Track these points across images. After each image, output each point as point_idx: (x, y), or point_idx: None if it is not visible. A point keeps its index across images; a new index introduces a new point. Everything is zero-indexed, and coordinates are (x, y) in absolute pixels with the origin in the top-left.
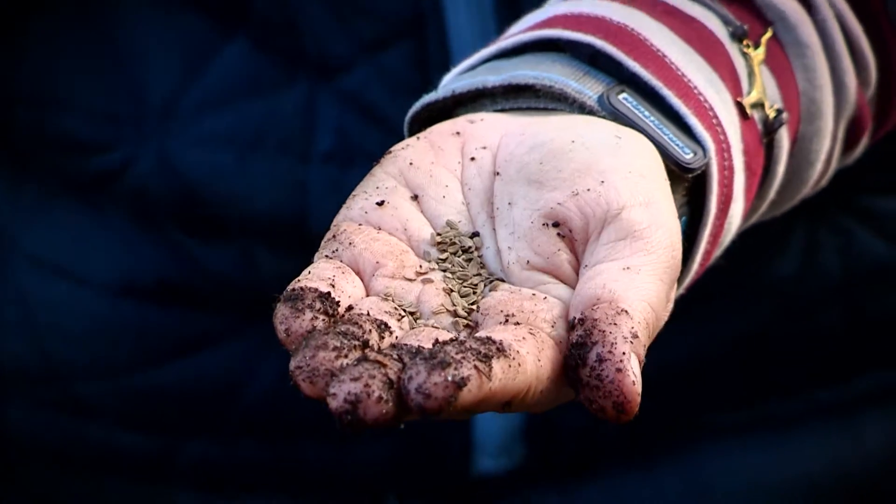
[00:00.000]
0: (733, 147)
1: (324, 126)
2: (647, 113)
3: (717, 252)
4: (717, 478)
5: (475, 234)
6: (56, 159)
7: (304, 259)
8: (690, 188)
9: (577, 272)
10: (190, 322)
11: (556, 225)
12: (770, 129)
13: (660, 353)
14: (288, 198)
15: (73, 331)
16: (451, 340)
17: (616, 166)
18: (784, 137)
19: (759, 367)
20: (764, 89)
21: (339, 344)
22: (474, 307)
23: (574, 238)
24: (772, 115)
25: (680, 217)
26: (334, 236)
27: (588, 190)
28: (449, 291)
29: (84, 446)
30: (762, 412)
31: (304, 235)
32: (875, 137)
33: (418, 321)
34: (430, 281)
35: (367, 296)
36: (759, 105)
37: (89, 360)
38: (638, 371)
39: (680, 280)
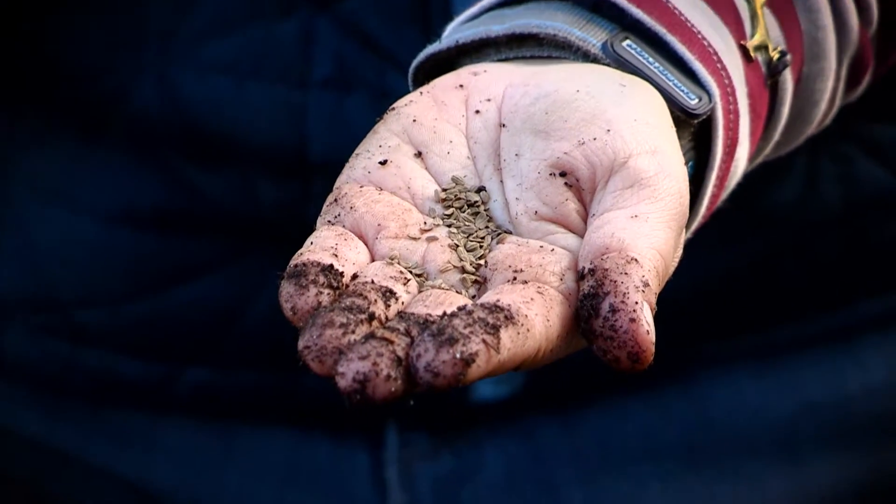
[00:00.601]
0: (738, 91)
1: (322, 53)
2: (651, 59)
3: (724, 195)
4: (720, 404)
5: (481, 189)
6: (55, 88)
7: (302, 185)
8: (696, 133)
9: (585, 221)
10: (188, 249)
11: (563, 174)
12: (774, 71)
13: None
14: (286, 124)
15: (71, 258)
16: (459, 310)
17: (622, 115)
18: (788, 79)
19: (761, 295)
20: (767, 32)
21: (345, 320)
22: (482, 262)
23: (581, 187)
24: (775, 57)
25: (686, 163)
26: (336, 200)
27: (594, 139)
28: (455, 247)
29: (82, 374)
30: (764, 339)
31: (303, 162)
32: (876, 75)
33: (425, 283)
34: (435, 238)
35: (372, 260)
36: (762, 47)
37: (88, 288)
38: (651, 320)
39: (687, 225)
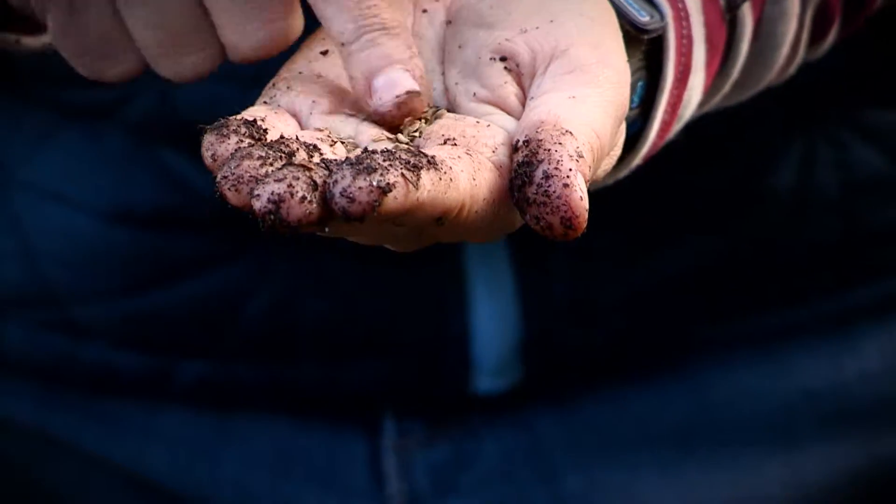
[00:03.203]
0: (693, 17)
1: None
2: None
3: (677, 126)
4: (717, 391)
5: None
6: (56, 90)
7: None
8: (647, 54)
9: (523, 105)
10: (186, 247)
11: (503, 59)
12: (732, 4)
13: (657, 266)
14: None
15: (69, 256)
16: (382, 151)
17: (567, 9)
18: (747, 15)
19: (756, 280)
20: None
21: (263, 154)
22: (417, 133)
23: (521, 72)
24: None
25: (636, 81)
26: (273, 84)
27: (537, 28)
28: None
29: (80, 367)
30: (760, 325)
31: None
32: (844, 32)
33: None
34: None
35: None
36: None
37: (85, 285)
38: (585, 188)
39: (638, 150)
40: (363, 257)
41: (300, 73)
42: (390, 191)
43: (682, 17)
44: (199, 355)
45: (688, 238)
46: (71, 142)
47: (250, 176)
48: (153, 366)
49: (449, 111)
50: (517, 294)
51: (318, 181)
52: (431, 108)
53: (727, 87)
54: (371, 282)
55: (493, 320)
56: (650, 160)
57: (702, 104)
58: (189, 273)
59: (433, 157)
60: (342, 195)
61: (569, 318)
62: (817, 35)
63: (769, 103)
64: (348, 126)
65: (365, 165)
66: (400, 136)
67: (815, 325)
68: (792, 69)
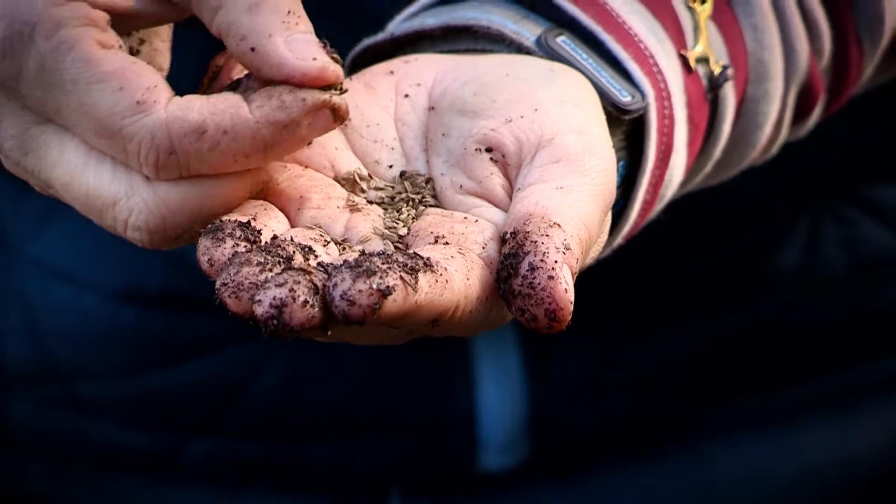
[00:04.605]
0: (675, 97)
1: None
2: (585, 56)
3: (659, 206)
4: (723, 470)
5: (403, 173)
6: None
7: None
8: (629, 134)
9: (510, 197)
10: (194, 326)
11: (489, 150)
12: (715, 84)
13: (661, 347)
14: None
15: (76, 335)
16: (379, 253)
17: (550, 96)
18: (730, 95)
19: (762, 357)
20: (710, 45)
21: (262, 260)
22: (405, 230)
23: (507, 163)
24: (717, 70)
25: (618, 161)
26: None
27: (522, 117)
28: (379, 215)
29: (87, 444)
30: (766, 403)
31: None
32: (829, 110)
33: (346, 249)
34: (359, 210)
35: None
36: (703, 60)
37: (93, 364)
38: (570, 280)
39: (619, 229)
40: None
41: (285, 165)
42: (390, 293)
43: (664, 96)
44: (206, 433)
45: (692, 319)
46: (76, 219)
47: (250, 283)
48: (161, 444)
49: (434, 198)
50: (523, 374)
51: (318, 284)
52: (421, 175)
53: (709, 167)
54: (378, 362)
55: (499, 399)
56: (656, 243)
57: (684, 183)
58: (196, 353)
59: (428, 258)
60: (342, 298)
61: (574, 398)
62: (801, 114)
63: (775, 182)
64: (338, 223)
65: (364, 268)
66: (387, 232)
67: (821, 402)
68: (775, 149)
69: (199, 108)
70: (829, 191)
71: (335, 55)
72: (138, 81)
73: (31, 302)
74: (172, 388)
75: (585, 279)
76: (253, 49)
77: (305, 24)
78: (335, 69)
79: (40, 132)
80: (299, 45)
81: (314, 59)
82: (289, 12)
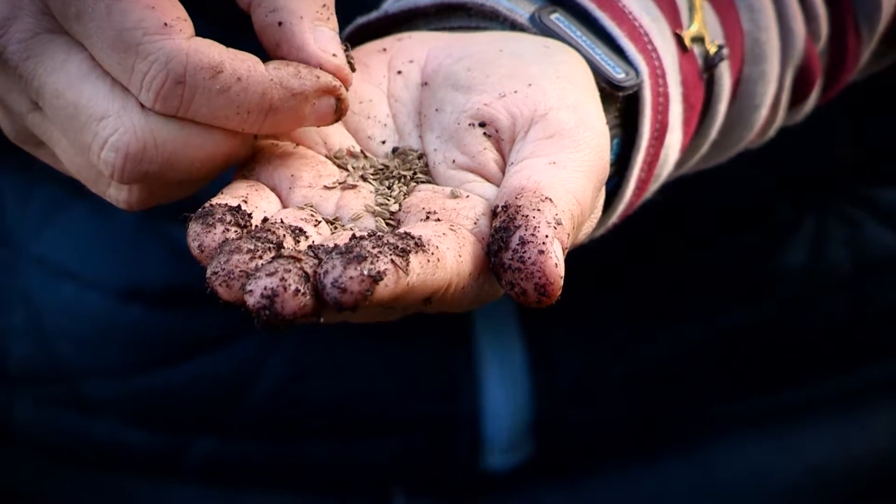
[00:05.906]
0: (669, 75)
1: None
2: (579, 33)
3: (654, 185)
4: (726, 470)
5: (396, 149)
6: None
7: None
8: (624, 112)
9: (503, 172)
10: (196, 324)
11: (482, 125)
12: (710, 63)
13: (667, 344)
14: None
15: (79, 333)
16: (369, 235)
17: (544, 72)
18: (725, 75)
19: (767, 359)
20: (705, 24)
21: (252, 247)
22: (396, 206)
23: (500, 138)
24: (712, 50)
25: (612, 138)
26: (253, 156)
27: (515, 92)
28: (371, 192)
29: (89, 443)
30: (769, 403)
31: None
32: (826, 96)
33: (338, 228)
34: (351, 187)
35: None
36: (699, 39)
37: (96, 362)
38: (561, 255)
39: (615, 208)
40: (373, 335)
41: (277, 143)
42: (381, 279)
43: (658, 74)
44: (208, 432)
45: (696, 319)
46: (80, 217)
47: (240, 271)
48: (163, 443)
49: (426, 174)
50: (527, 373)
51: (309, 271)
52: (414, 151)
53: (705, 148)
54: (381, 360)
55: (504, 399)
56: (659, 242)
57: (679, 164)
58: (199, 351)
59: (420, 237)
60: (334, 285)
61: (578, 398)
62: (798, 97)
63: (781, 182)
64: (330, 201)
65: (355, 254)
66: (378, 209)
67: (824, 403)
68: (772, 131)
69: (220, 50)
70: (835, 191)
71: (352, 60)
72: (171, 9)
73: (33, 300)
74: (175, 387)
75: (594, 282)
76: (280, 24)
77: (334, 23)
78: (349, 72)
79: (50, 39)
80: (324, 38)
81: (334, 55)
82: (324, 5)
